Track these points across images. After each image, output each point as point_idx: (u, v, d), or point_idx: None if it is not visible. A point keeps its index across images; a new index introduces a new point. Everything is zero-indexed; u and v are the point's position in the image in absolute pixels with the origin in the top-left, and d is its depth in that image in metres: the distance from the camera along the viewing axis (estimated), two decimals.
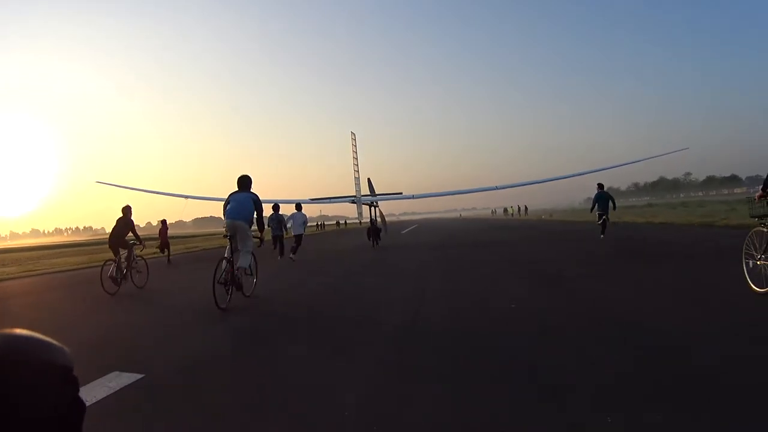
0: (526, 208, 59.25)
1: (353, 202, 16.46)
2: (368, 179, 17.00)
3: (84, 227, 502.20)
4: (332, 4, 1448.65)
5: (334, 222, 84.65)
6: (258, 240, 6.31)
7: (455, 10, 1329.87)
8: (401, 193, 18.56)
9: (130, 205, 8.38)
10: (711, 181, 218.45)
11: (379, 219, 16.94)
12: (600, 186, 12.78)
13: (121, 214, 8.32)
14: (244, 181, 6.28)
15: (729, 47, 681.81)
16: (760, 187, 4.41)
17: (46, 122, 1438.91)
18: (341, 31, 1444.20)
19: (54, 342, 0.47)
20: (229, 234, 5.97)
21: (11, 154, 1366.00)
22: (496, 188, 18.47)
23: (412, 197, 18.64)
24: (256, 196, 6.23)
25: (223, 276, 5.65)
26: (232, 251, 5.89)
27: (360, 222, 17.37)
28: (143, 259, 8.60)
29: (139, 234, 8.47)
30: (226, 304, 5.46)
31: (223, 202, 6.25)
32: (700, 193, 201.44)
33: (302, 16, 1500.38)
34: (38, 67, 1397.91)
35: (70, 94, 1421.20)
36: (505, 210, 71.65)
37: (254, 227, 6.30)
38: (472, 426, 2.04)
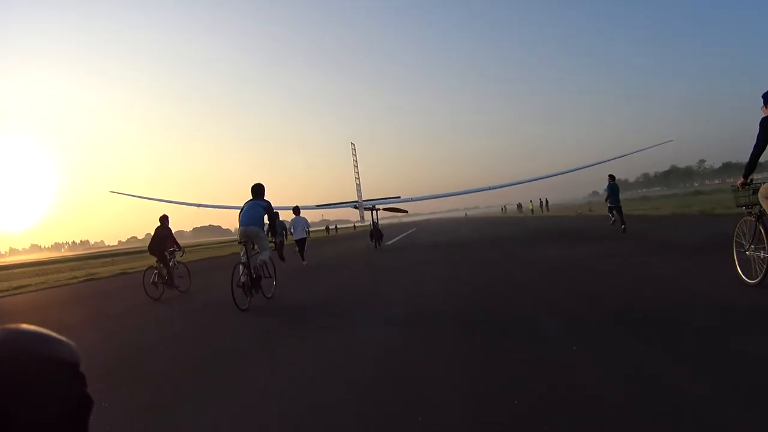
0: (547, 202, 46.63)
1: (355, 207, 17.81)
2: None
3: (81, 241, 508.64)
4: (322, 3, 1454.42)
5: (323, 228, 71.37)
6: (273, 245, 6.86)
7: (448, 13, 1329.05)
8: (399, 197, 19.84)
9: (167, 214, 9.03)
10: (728, 168, 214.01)
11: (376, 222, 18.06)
12: (611, 177, 12.66)
13: (159, 224, 8.90)
14: (257, 190, 6.64)
15: (746, 25, 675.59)
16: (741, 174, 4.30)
17: (42, 135, 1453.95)
18: (337, 31, 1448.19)
19: (60, 337, 0.48)
20: (242, 240, 6.44)
21: (10, 168, 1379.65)
22: (489, 188, 19.81)
23: (411, 200, 20.05)
24: (268, 203, 6.60)
25: (241, 280, 6.14)
26: (248, 256, 6.31)
27: (354, 226, 18.60)
28: (184, 264, 9.28)
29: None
30: (247, 305, 5.95)
31: (239, 211, 6.65)
32: (717, 181, 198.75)
33: (295, 20, 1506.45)
34: (35, 79, 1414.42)
35: (69, 107, 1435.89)
36: (519, 206, 61.83)
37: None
38: None
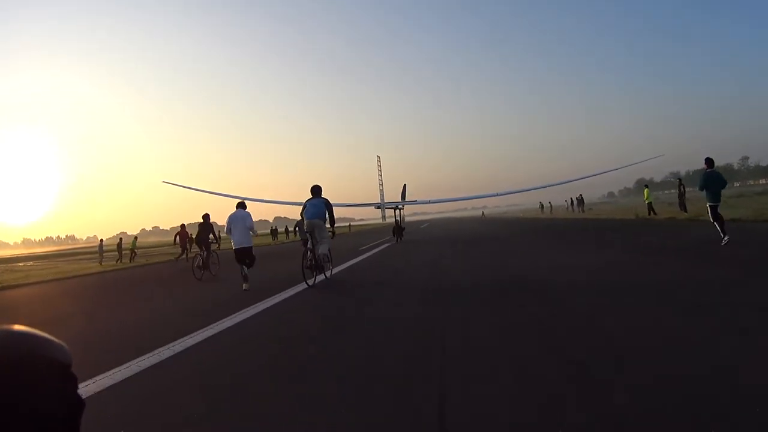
0: (684, 190, 21.96)
1: (378, 206, 22.72)
2: (404, 185, 23.79)
3: (66, 236, 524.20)
4: (352, 9, 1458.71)
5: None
6: (331, 233, 8.63)
7: (462, 19, 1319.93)
8: (416, 201, 24.51)
9: (208, 212, 11.57)
10: None
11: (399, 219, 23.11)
12: (709, 162, 9.53)
13: (202, 220, 11.46)
14: (317, 189, 8.55)
15: None
16: None
17: (51, 129, 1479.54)
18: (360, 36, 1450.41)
19: (53, 338, 0.50)
20: (308, 230, 8.30)
21: (14, 163, 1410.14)
22: (498, 194, 23.81)
23: (429, 202, 24.78)
24: (327, 200, 8.43)
25: (308, 262, 8.02)
26: (313, 244, 8.20)
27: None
28: (216, 254, 11.95)
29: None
30: (313, 283, 7.74)
31: (301, 207, 8.67)
32: (762, 181, 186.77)
33: (334, 31, 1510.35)
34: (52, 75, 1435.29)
35: (92, 101, 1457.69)
36: (578, 202, 43.21)
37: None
38: None
